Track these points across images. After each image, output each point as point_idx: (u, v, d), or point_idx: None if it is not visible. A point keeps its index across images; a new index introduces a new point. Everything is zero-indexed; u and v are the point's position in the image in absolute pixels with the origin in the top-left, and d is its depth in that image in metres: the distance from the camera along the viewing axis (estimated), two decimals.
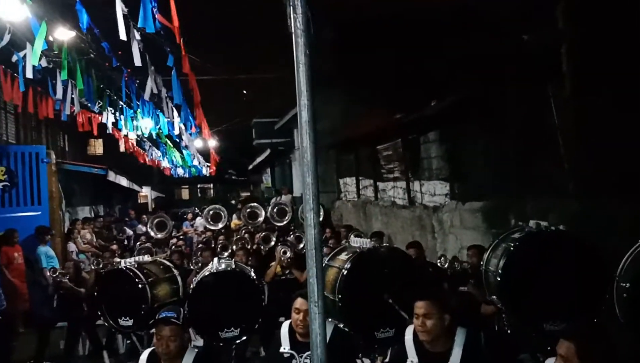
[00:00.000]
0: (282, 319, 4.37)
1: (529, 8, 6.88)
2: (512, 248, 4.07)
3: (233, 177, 37.06)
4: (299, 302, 3.49)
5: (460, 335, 3.10)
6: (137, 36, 6.48)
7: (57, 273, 7.05)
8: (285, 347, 3.49)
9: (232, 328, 4.84)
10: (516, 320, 4.15)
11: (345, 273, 4.29)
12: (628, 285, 3.39)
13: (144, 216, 17.25)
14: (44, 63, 7.45)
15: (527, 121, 6.73)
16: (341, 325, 4.12)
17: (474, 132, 7.79)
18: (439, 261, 5.91)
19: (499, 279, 4.04)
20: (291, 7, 1.56)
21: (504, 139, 7.07)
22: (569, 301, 3.86)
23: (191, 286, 5.11)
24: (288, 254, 6.70)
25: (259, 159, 25.76)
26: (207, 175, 31.65)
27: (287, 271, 6.88)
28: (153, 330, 5.09)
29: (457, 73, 9.04)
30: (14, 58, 7.51)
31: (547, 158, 6.36)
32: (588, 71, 5.72)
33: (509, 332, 4.37)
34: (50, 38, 7.20)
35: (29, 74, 6.86)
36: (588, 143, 5.74)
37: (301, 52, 1.55)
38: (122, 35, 5.66)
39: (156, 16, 5.45)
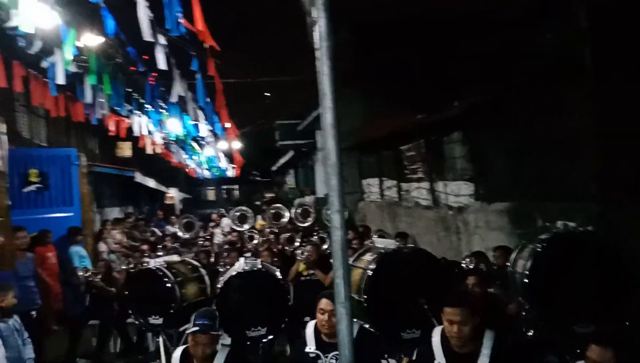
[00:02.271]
0: (307, 319, 4.41)
1: (551, 6, 6.77)
2: (539, 249, 4.02)
3: (257, 178, 37.37)
4: (323, 303, 3.52)
5: (488, 337, 3.09)
6: (162, 40, 6.61)
7: (89, 273, 7.26)
8: (310, 347, 3.53)
9: (259, 327, 4.91)
10: (543, 322, 4.09)
11: (370, 274, 4.30)
12: None
13: (172, 217, 17.56)
14: (73, 68, 7.67)
15: (552, 121, 6.62)
16: (367, 326, 4.14)
17: (498, 132, 7.70)
18: (464, 262, 5.86)
19: (526, 280, 4.00)
20: (314, 12, 1.60)
21: (528, 140, 6.98)
22: (596, 303, 3.79)
23: (218, 286, 5.19)
24: (306, 254, 6.70)
25: (282, 161, 25.94)
26: (232, 176, 32.00)
27: (311, 272, 6.91)
28: (182, 328, 5.25)
29: (480, 73, 8.95)
30: (44, 63, 7.74)
31: (572, 159, 6.25)
32: (611, 70, 5.60)
33: (535, 333, 4.31)
34: (79, 44, 7.40)
35: (61, 80, 7.07)
36: (612, 145, 5.62)
37: (324, 56, 1.58)
38: (147, 37, 5.77)
39: (181, 21, 5.56)
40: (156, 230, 14.83)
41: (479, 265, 5.68)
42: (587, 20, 5.78)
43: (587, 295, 3.80)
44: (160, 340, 4.06)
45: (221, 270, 6.90)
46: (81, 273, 7.37)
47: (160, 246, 10.62)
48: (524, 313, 4.45)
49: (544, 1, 6.85)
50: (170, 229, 14.81)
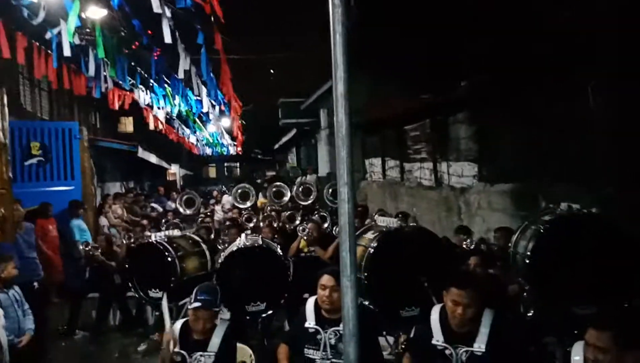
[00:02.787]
0: (306, 295, 4.43)
1: None
2: (541, 230, 4.01)
3: (259, 156, 37.33)
4: (325, 279, 3.53)
5: (487, 317, 3.09)
6: (168, 13, 6.52)
7: (90, 247, 7.28)
8: (310, 323, 3.54)
9: (259, 303, 4.94)
10: (544, 303, 4.11)
11: (371, 252, 4.30)
12: None
13: (173, 193, 17.57)
14: (76, 41, 7.57)
15: (559, 103, 6.55)
16: (366, 303, 4.16)
17: (504, 113, 7.64)
18: (464, 243, 5.87)
19: (527, 261, 4.00)
20: None
21: (535, 122, 6.92)
22: (598, 285, 3.79)
23: (219, 261, 5.21)
24: (307, 231, 6.71)
25: (284, 139, 25.85)
26: (234, 154, 31.96)
27: (312, 249, 6.93)
28: (182, 302, 5.28)
29: (488, 54, 8.83)
30: (48, 35, 7.64)
31: (579, 141, 6.20)
32: (625, 54, 5.51)
33: (534, 314, 4.33)
34: (83, 16, 7.30)
35: (67, 52, 6.98)
36: (622, 128, 5.57)
37: (338, 24, 1.54)
38: (156, 8, 5.69)
39: None
40: (155, 205, 14.86)
41: (479, 245, 5.68)
42: (605, 6, 5.67)
43: (588, 277, 3.80)
44: (165, 303, 4.07)
45: (220, 247, 6.90)
46: (82, 247, 7.39)
47: (162, 222, 10.65)
48: (524, 294, 4.47)
49: None
50: (171, 205, 14.82)
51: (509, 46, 7.90)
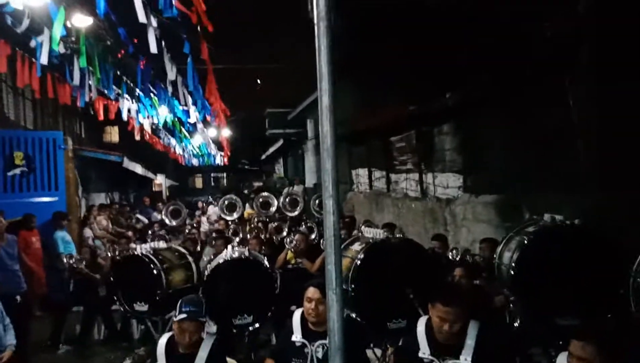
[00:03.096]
0: (293, 308, 4.40)
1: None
2: (525, 242, 4.05)
3: (246, 166, 37.22)
4: (310, 291, 3.51)
5: (472, 328, 3.11)
6: (154, 23, 6.50)
7: (74, 260, 7.18)
8: (297, 336, 3.51)
9: (245, 315, 4.90)
10: (528, 314, 4.13)
11: (358, 263, 4.30)
12: None
13: (159, 203, 17.43)
14: (61, 49, 7.51)
15: (543, 113, 6.65)
16: (353, 315, 4.15)
17: (489, 124, 7.73)
18: (450, 253, 5.89)
19: (512, 272, 4.03)
20: None
21: (519, 132, 7.01)
22: (582, 296, 3.83)
23: (205, 274, 5.17)
24: (294, 242, 6.69)
25: (271, 149, 25.84)
26: (221, 164, 31.84)
27: (299, 260, 6.90)
28: (168, 316, 5.22)
29: (473, 64, 8.94)
30: (33, 43, 7.57)
31: (563, 151, 6.29)
32: (607, 62, 5.62)
33: (519, 325, 4.35)
34: (68, 24, 7.25)
35: (44, 60, 6.92)
36: (605, 137, 5.66)
37: (322, 37, 1.55)
38: (142, 18, 5.67)
39: (174, 2, 5.47)
40: (141, 217, 14.72)
41: (465, 256, 5.71)
42: (586, 13, 5.78)
43: (572, 288, 3.84)
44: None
45: (205, 259, 6.85)
46: (65, 260, 7.29)
47: (147, 233, 10.55)
48: (510, 305, 4.50)
49: None
50: (156, 216, 14.71)
51: (492, 57, 8.02)
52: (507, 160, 7.20)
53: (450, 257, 5.81)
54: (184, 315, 3.34)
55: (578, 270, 3.89)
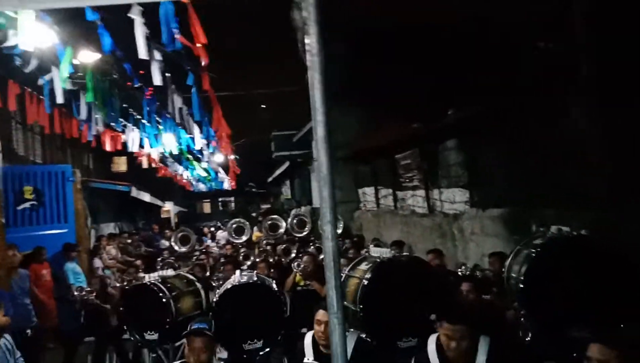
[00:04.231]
0: (304, 330, 4.40)
1: (547, 15, 6.85)
2: (533, 254, 4.03)
3: (253, 189, 37.38)
4: (320, 314, 3.53)
5: (483, 344, 3.11)
6: (158, 56, 6.66)
7: (84, 292, 7.22)
8: (309, 358, 3.53)
9: (256, 340, 4.89)
10: (539, 327, 4.10)
11: (365, 283, 4.30)
12: None
13: (167, 231, 17.52)
14: (68, 85, 7.70)
15: (546, 128, 6.68)
16: (364, 335, 4.13)
17: (493, 139, 7.76)
18: (460, 270, 5.87)
19: (521, 286, 4.01)
20: (305, 27, 1.63)
21: (523, 146, 7.03)
22: (592, 307, 3.80)
23: (214, 299, 5.18)
24: (301, 266, 6.69)
25: (278, 172, 25.97)
26: (228, 188, 32.00)
27: (307, 282, 6.90)
28: (179, 343, 5.22)
29: (476, 81, 9.01)
30: (40, 81, 7.77)
31: (568, 164, 6.30)
32: (607, 78, 5.67)
33: (531, 339, 4.32)
34: (75, 61, 7.44)
35: (60, 100, 7.09)
36: (610, 150, 5.68)
37: (315, 72, 1.61)
38: (143, 55, 5.83)
39: (177, 36, 5.61)
40: (142, 245, 14.70)
41: (474, 271, 5.69)
42: (585, 30, 5.86)
43: (582, 299, 3.82)
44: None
45: (214, 284, 6.85)
46: (76, 292, 7.33)
47: (156, 261, 10.59)
48: (521, 319, 4.46)
49: (542, 11, 6.93)
50: (165, 243, 14.77)
51: (495, 74, 8.10)
52: (512, 174, 7.21)
53: (459, 273, 5.79)
54: (193, 331, 3.38)
55: (587, 280, 3.87)
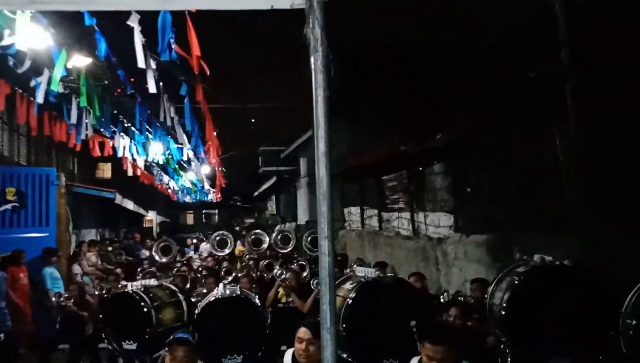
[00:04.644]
0: (284, 347, 4.37)
1: (535, 43, 7.04)
2: (516, 282, 4.09)
3: (238, 203, 37.17)
4: (302, 332, 3.51)
5: None
6: (153, 65, 6.67)
7: (62, 298, 7.09)
8: None
9: (235, 356, 4.83)
10: (520, 354, 4.13)
11: (350, 302, 4.31)
12: (634, 321, 3.39)
13: (147, 240, 17.30)
14: (60, 89, 7.65)
15: (532, 154, 6.81)
16: (345, 356, 4.12)
17: (479, 164, 7.88)
18: (442, 296, 5.90)
19: (503, 312, 4.05)
20: (312, 45, 1.67)
21: (509, 172, 7.15)
22: (573, 336, 3.85)
23: (196, 312, 5.12)
24: (287, 278, 6.64)
25: (264, 187, 25.93)
26: (213, 201, 31.80)
27: (289, 299, 6.86)
28: (157, 355, 5.13)
29: (464, 106, 9.18)
30: (32, 83, 7.71)
31: (552, 192, 6.42)
32: (593, 105, 5.83)
33: None
34: (68, 65, 7.42)
35: (40, 100, 7.05)
36: (593, 178, 5.80)
37: (319, 88, 1.65)
38: (141, 64, 5.83)
39: (173, 46, 5.63)
40: (123, 254, 14.49)
41: (457, 297, 5.72)
42: (571, 57, 6.03)
43: (563, 328, 3.86)
44: None
45: (193, 300, 6.76)
46: (54, 298, 7.19)
47: (137, 270, 10.43)
48: (502, 346, 4.49)
49: (529, 38, 7.12)
50: (145, 253, 14.59)
51: (481, 100, 8.26)
52: (497, 200, 7.31)
53: (442, 300, 5.81)
54: (175, 340, 3.35)
55: (568, 310, 3.92)
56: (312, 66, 1.66)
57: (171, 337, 3.45)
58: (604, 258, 5.03)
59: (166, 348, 3.44)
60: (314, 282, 6.33)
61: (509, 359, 4.40)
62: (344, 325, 4.26)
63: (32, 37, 5.90)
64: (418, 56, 10.92)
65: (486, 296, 4.57)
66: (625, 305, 3.52)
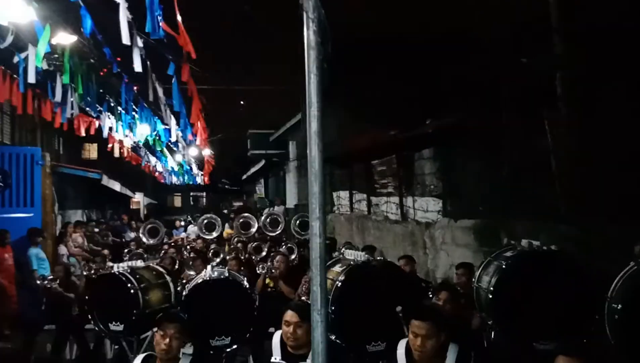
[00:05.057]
0: (272, 330, 4.37)
1: (526, 34, 7.02)
2: (503, 266, 4.12)
3: (226, 186, 37.05)
4: (288, 315, 3.50)
5: (452, 351, 3.14)
6: (139, 43, 6.53)
7: (47, 280, 7.02)
8: (276, 357, 3.50)
9: (223, 337, 4.83)
10: (506, 338, 4.18)
11: (339, 285, 4.31)
12: (619, 306, 3.43)
13: (133, 222, 17.19)
14: (44, 66, 7.48)
15: (521, 142, 6.84)
16: (333, 337, 4.13)
17: (468, 150, 7.89)
18: (430, 283, 5.93)
19: (490, 296, 4.08)
20: (306, 20, 1.63)
21: (498, 159, 7.18)
22: (559, 320, 3.90)
23: (184, 293, 5.10)
24: (271, 269, 6.63)
25: (253, 170, 25.83)
26: (201, 184, 31.64)
27: (278, 287, 6.86)
28: (144, 336, 5.12)
29: (454, 92, 9.17)
30: (15, 59, 7.52)
31: (540, 179, 6.46)
32: (582, 95, 5.85)
33: (498, 349, 4.39)
34: (53, 41, 7.23)
35: (32, 79, 6.88)
36: (580, 165, 5.84)
37: (313, 64, 1.61)
38: (125, 40, 5.71)
39: (160, 24, 5.51)
40: (110, 235, 14.41)
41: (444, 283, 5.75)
42: (561, 47, 6.03)
43: (550, 312, 3.91)
44: None
45: (184, 281, 6.73)
46: (39, 281, 7.12)
47: (123, 252, 10.38)
48: (487, 329, 4.54)
49: (520, 27, 7.10)
50: (131, 234, 14.51)
51: (472, 86, 8.25)
52: (486, 186, 7.35)
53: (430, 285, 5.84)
54: (164, 317, 3.34)
55: (555, 294, 3.96)
56: (305, 42, 1.62)
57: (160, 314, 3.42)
58: (589, 246, 5.09)
59: (155, 329, 3.40)
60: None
61: (495, 342, 4.46)
62: (333, 308, 4.26)
63: (14, 11, 5.72)
64: (409, 41, 10.87)
65: (473, 280, 4.61)
66: (611, 290, 3.56)
